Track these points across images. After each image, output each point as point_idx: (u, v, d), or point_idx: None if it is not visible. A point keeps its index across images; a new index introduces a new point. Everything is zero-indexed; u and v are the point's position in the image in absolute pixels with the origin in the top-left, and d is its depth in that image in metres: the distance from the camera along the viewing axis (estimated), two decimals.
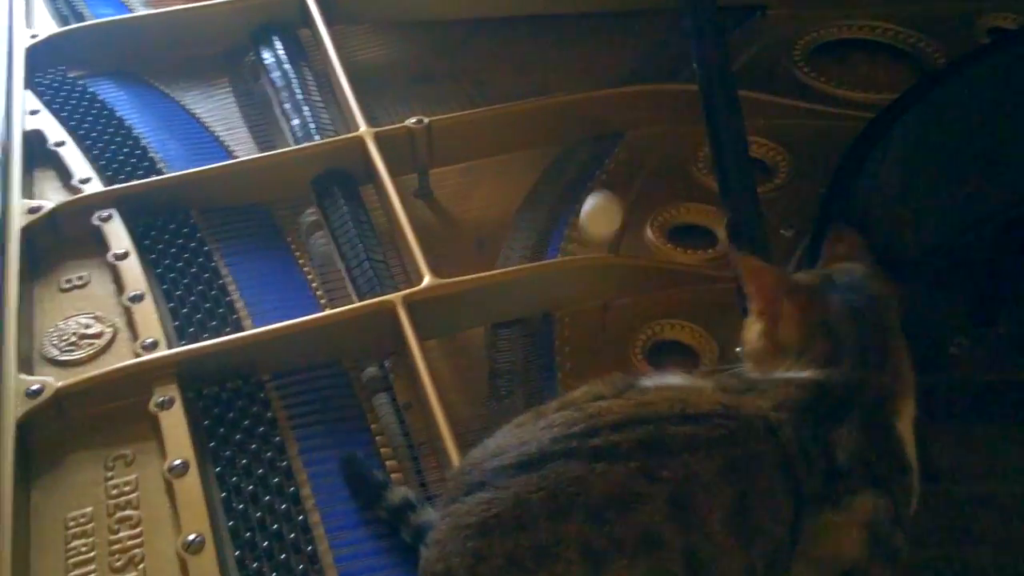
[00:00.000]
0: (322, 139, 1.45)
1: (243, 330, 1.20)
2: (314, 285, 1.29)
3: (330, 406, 1.13)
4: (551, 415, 0.79)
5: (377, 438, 1.10)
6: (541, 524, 0.74)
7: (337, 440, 1.10)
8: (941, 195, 1.26)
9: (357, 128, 1.42)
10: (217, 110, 1.59)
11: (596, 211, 1.30)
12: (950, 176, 1.26)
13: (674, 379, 0.83)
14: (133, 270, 1.25)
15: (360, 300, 1.22)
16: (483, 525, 0.75)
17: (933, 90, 1.33)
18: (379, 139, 1.39)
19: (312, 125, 1.48)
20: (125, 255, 1.27)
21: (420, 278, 1.20)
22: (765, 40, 1.62)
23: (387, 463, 1.08)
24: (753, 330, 0.87)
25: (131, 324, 1.19)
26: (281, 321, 1.20)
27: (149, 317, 1.19)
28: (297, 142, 1.46)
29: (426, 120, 1.42)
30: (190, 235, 1.32)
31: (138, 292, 1.22)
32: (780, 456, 0.77)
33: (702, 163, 1.44)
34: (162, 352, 1.13)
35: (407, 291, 1.18)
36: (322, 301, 1.26)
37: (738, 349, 0.91)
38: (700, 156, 1.45)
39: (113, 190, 1.34)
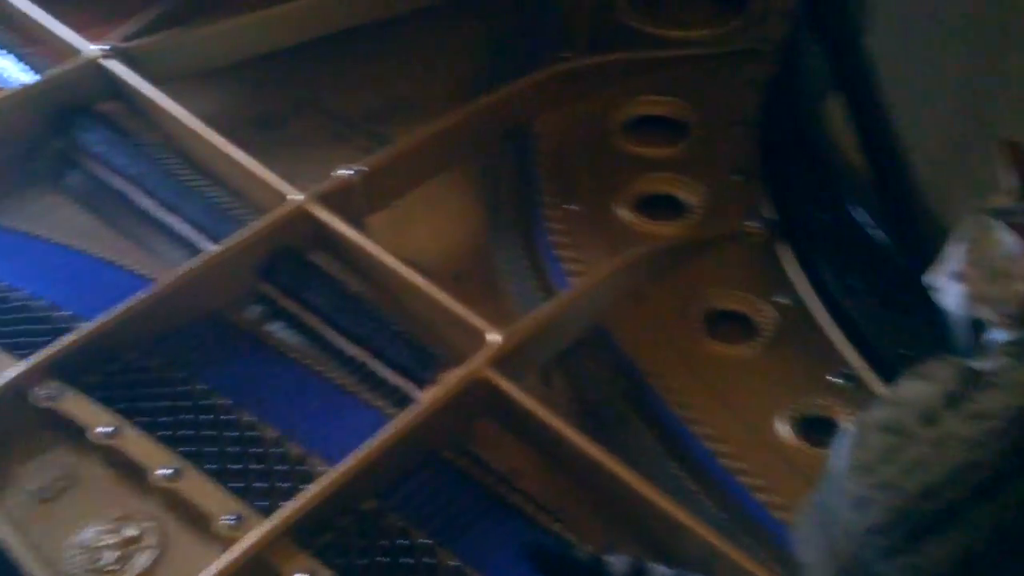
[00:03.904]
0: (236, 220, 1.25)
1: (306, 464, 1.03)
2: (332, 378, 1.11)
3: (454, 501, 1.01)
4: (952, 434, 0.75)
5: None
6: None
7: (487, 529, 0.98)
8: None
9: (282, 197, 1.23)
10: (64, 222, 1.30)
11: None
12: None
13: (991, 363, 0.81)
14: (140, 443, 1.00)
15: (413, 381, 1.09)
16: (963, 568, 0.72)
17: None
18: (326, 201, 1.22)
19: (214, 210, 1.27)
20: (115, 431, 1.01)
21: (474, 334, 1.09)
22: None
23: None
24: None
25: (182, 508, 0.97)
26: (334, 436, 1.04)
27: (203, 489, 0.97)
28: (208, 233, 1.24)
29: (363, 168, 1.27)
30: (164, 381, 1.09)
31: (168, 468, 0.99)
32: None
33: (620, 132, 1.43)
34: (266, 523, 0.93)
35: (487, 352, 1.06)
36: (363, 395, 1.10)
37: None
38: (613, 126, 1.44)
39: (42, 359, 1.05)
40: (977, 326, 0.89)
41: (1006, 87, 1.26)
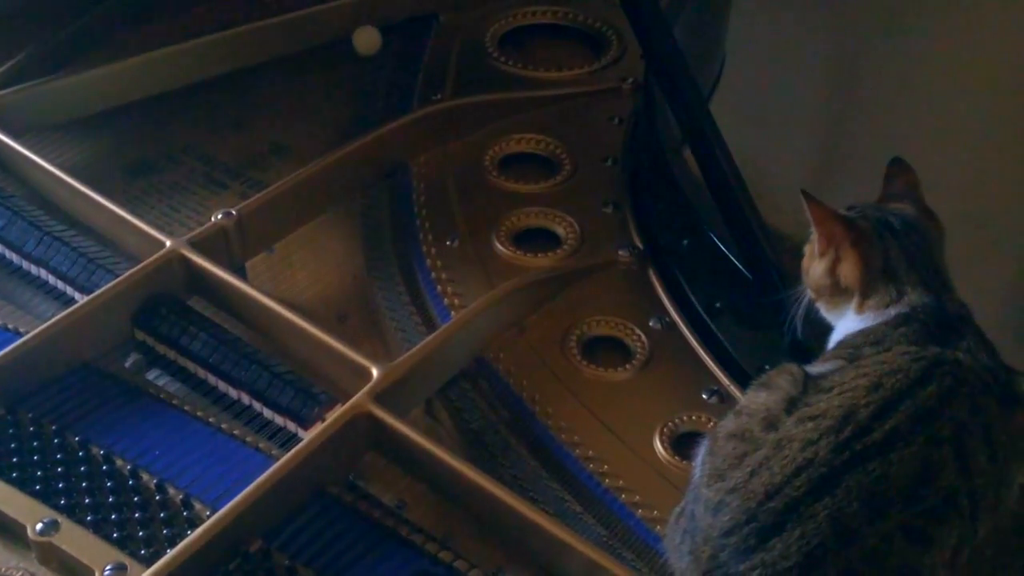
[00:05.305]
0: (106, 269, 1.23)
1: (190, 510, 1.02)
2: (213, 421, 1.11)
3: (342, 536, 1.01)
4: (790, 436, 0.81)
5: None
6: (864, 531, 0.78)
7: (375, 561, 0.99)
8: None
9: (160, 243, 1.22)
10: None
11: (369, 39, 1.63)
12: None
13: (827, 365, 0.88)
14: (12, 499, 0.98)
15: (296, 421, 1.09)
16: (809, 560, 0.77)
17: None
18: (198, 246, 1.22)
19: (82, 259, 1.25)
20: None
21: (359, 371, 1.10)
22: (455, 44, 1.66)
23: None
24: (819, 267, 0.94)
25: (61, 561, 0.94)
26: (218, 481, 1.04)
27: (82, 541, 0.95)
28: (77, 284, 1.22)
29: (234, 211, 1.27)
30: (34, 435, 1.06)
31: (44, 522, 0.96)
32: (980, 380, 0.85)
33: (494, 170, 1.47)
34: (148, 572, 0.91)
35: (368, 387, 1.07)
36: (248, 438, 1.10)
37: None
38: (487, 164, 1.48)
39: None
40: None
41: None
